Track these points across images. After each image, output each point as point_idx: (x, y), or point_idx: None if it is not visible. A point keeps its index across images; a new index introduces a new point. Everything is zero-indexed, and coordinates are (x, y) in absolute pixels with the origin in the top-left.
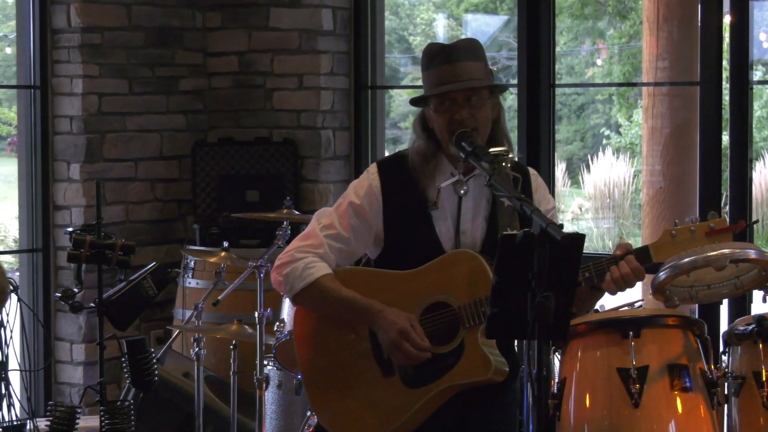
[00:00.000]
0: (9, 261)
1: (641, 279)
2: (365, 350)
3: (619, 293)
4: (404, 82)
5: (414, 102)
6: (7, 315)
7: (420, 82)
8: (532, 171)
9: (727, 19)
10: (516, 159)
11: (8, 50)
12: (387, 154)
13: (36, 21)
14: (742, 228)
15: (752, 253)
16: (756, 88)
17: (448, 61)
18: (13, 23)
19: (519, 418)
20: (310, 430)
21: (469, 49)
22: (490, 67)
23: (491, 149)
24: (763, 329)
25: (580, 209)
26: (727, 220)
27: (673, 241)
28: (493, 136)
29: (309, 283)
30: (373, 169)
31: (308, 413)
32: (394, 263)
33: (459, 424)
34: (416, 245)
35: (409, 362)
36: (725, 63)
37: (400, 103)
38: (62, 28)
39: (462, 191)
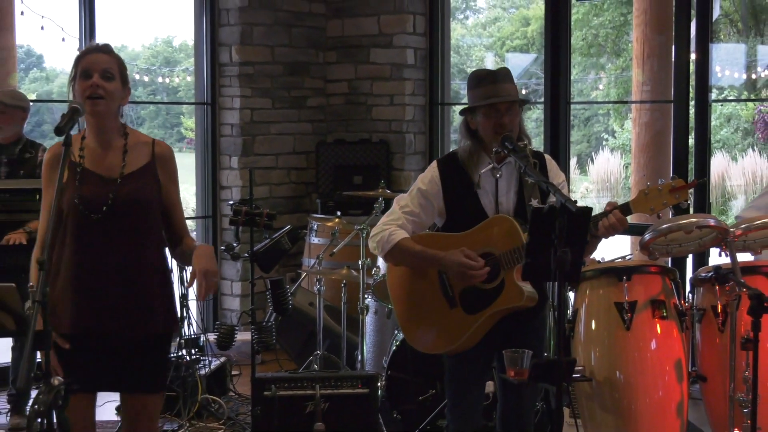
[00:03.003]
0: (189, 224)
1: (625, 227)
2: (435, 290)
3: (611, 238)
4: (464, 101)
5: (462, 111)
6: None
7: None
8: (546, 155)
9: (693, 56)
10: (533, 148)
11: (189, 78)
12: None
13: (208, 58)
14: (695, 185)
15: (712, 222)
16: (713, 105)
17: (494, 82)
18: (192, 59)
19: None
20: (397, 343)
21: (507, 75)
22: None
23: (519, 143)
24: (719, 276)
25: (587, 190)
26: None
27: (646, 198)
28: (518, 133)
29: (393, 245)
30: (434, 164)
31: (395, 332)
32: (455, 228)
33: (505, 340)
34: (468, 215)
35: (477, 281)
36: (691, 88)
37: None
38: (226, 63)
39: (498, 175)
